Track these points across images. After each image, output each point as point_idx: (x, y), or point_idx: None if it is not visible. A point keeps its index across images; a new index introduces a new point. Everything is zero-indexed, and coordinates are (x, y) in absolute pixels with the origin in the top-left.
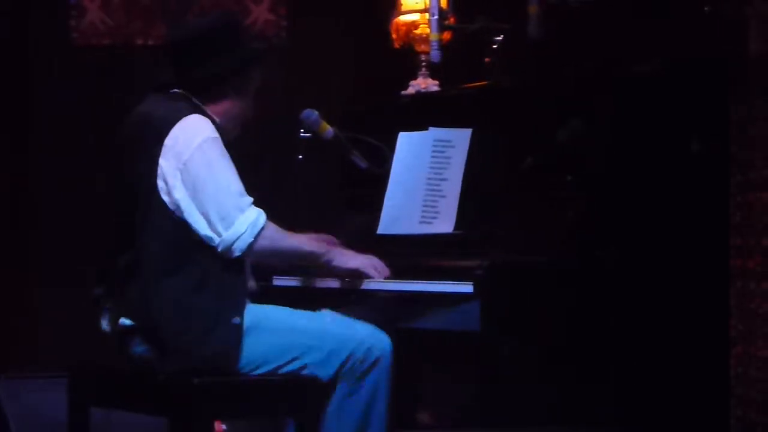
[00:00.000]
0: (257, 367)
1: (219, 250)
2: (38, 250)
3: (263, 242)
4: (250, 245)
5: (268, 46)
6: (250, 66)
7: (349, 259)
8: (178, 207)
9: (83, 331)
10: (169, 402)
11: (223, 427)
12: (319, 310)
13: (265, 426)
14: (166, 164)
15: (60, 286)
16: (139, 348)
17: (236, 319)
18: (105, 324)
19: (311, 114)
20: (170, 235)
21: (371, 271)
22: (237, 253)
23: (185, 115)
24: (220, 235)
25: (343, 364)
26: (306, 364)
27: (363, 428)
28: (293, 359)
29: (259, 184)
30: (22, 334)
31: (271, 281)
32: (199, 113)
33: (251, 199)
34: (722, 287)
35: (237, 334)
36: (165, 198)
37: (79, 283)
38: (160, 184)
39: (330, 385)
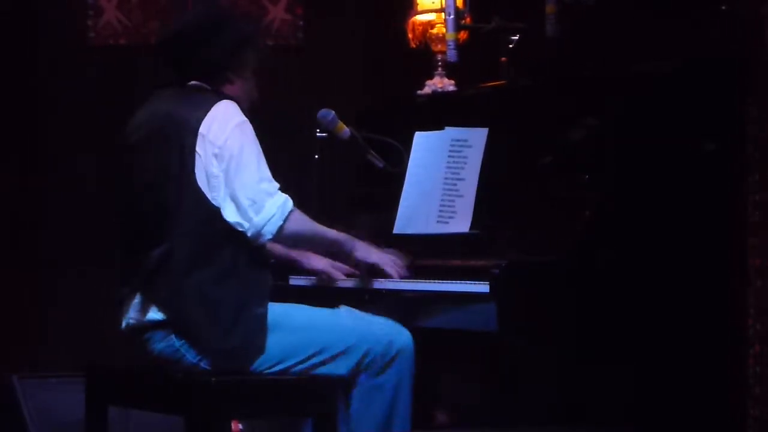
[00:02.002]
0: (277, 364)
1: (249, 234)
2: (43, 250)
3: (292, 225)
4: (280, 228)
5: (256, 25)
6: (242, 43)
7: (371, 252)
8: (215, 190)
9: (87, 331)
10: (186, 401)
11: (240, 426)
12: (337, 307)
13: (282, 425)
14: (203, 152)
15: (63, 286)
16: (159, 344)
17: (260, 309)
18: (127, 321)
19: (328, 114)
20: (203, 227)
21: (389, 269)
22: (267, 237)
23: (214, 103)
24: (249, 220)
25: (362, 359)
26: (325, 359)
27: (388, 422)
28: (312, 355)
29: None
30: (24, 335)
31: (288, 281)
32: (226, 99)
33: (278, 185)
34: (740, 286)
35: (261, 323)
36: (203, 188)
37: (82, 284)
38: (199, 174)
39: (350, 380)
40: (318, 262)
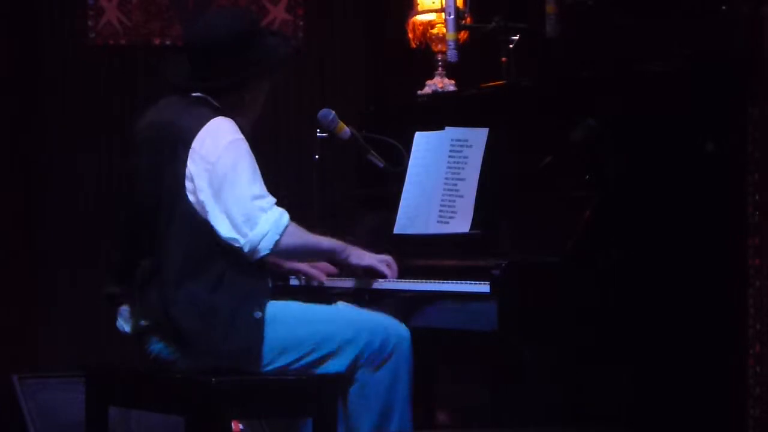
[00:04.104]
0: (275, 359)
1: (245, 251)
2: (42, 250)
3: (287, 240)
4: (276, 243)
5: (289, 46)
6: (272, 71)
7: (365, 257)
8: (203, 208)
9: (87, 331)
10: (186, 401)
11: (241, 426)
12: (335, 303)
13: (282, 424)
14: (193, 166)
15: (63, 286)
16: (156, 346)
17: (257, 313)
18: (122, 324)
19: (328, 114)
20: (193, 239)
21: (384, 268)
22: (263, 253)
23: (210, 119)
24: (245, 236)
25: (360, 353)
26: (323, 354)
27: (386, 416)
28: (311, 350)
29: (275, 184)
30: (24, 335)
31: (288, 281)
32: (222, 115)
33: (274, 200)
34: (740, 287)
35: (258, 328)
36: (192, 199)
37: (82, 284)
38: (188, 185)
39: (348, 374)
40: (297, 263)
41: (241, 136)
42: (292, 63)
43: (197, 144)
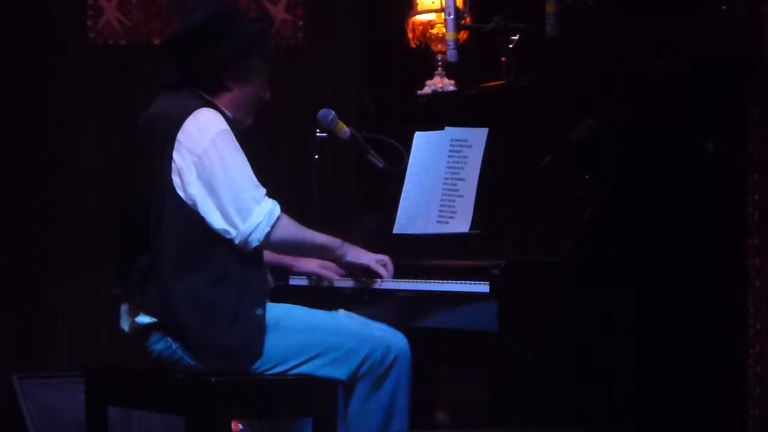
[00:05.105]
0: (276, 365)
1: (236, 242)
2: (43, 250)
3: (279, 232)
4: (268, 235)
5: (268, 26)
6: (246, 52)
7: (361, 255)
8: (193, 202)
9: (87, 331)
10: (186, 401)
11: (240, 426)
12: (336, 310)
13: (282, 425)
14: (180, 159)
15: (63, 286)
16: (158, 345)
17: (259, 311)
18: (124, 323)
19: (328, 114)
20: (187, 232)
21: (380, 269)
22: (254, 244)
23: (196, 110)
24: (236, 228)
25: (360, 364)
26: (324, 362)
27: (385, 428)
28: (311, 357)
29: (274, 184)
30: (24, 335)
31: (288, 281)
32: (209, 107)
33: (265, 190)
34: (740, 286)
35: (260, 325)
36: (180, 194)
37: (82, 284)
38: (175, 179)
39: (348, 384)
40: (308, 264)
41: (227, 127)
42: (272, 46)
43: (183, 136)
